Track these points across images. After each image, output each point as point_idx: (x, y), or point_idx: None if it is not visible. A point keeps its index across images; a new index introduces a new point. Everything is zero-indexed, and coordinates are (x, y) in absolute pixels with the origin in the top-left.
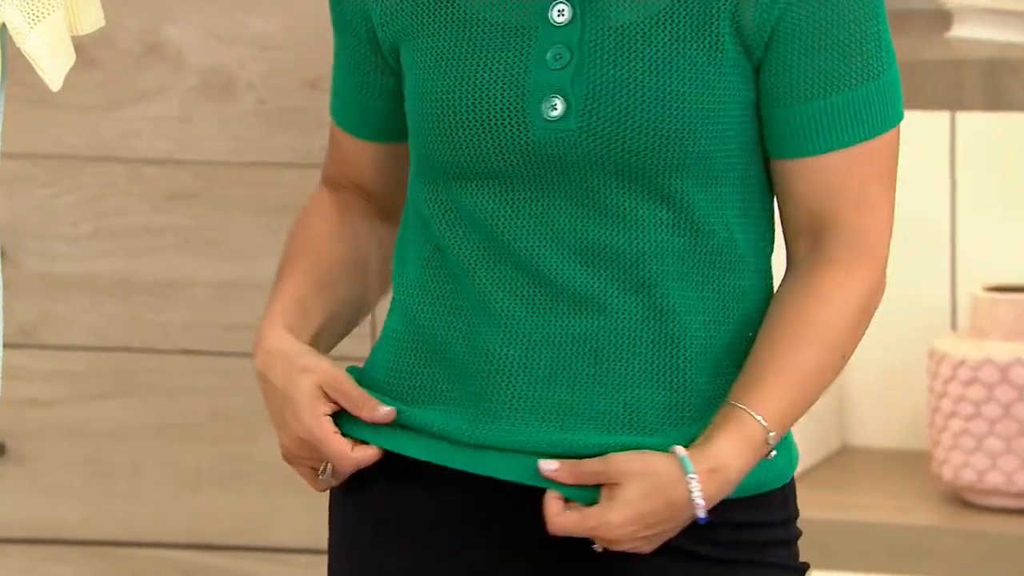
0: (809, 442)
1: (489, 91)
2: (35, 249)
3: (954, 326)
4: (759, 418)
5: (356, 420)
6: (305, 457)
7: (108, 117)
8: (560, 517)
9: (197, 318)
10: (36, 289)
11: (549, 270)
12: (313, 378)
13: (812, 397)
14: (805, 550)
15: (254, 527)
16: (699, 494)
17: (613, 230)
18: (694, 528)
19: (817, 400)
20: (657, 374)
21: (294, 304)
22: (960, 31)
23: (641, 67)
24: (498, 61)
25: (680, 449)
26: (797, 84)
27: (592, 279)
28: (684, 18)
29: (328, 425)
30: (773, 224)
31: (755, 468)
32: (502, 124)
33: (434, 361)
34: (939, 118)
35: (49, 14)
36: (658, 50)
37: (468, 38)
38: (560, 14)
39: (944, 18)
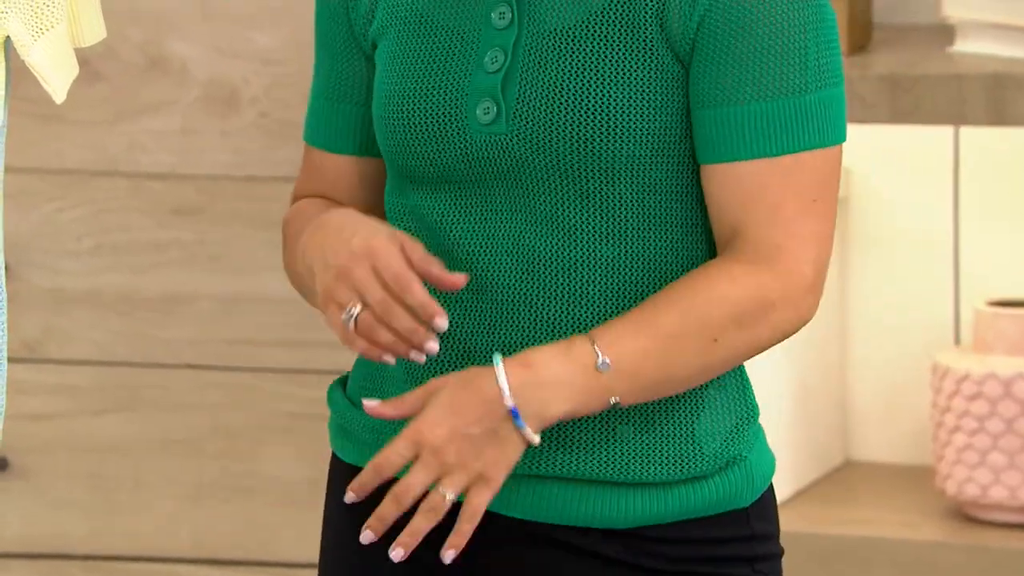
0: (812, 456)
1: (434, 95)
2: (40, 264)
3: (957, 340)
4: (593, 344)
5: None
6: (345, 287)
7: (112, 131)
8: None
9: (201, 333)
10: (40, 304)
11: (487, 275)
12: (395, 234)
13: (665, 357)
14: (808, 565)
15: (257, 542)
16: (505, 382)
17: (549, 238)
18: (639, 540)
19: (674, 368)
20: None
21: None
22: (963, 46)
23: (569, 71)
24: (445, 65)
25: (496, 356)
26: (714, 88)
27: (526, 286)
28: (613, 22)
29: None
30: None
31: (708, 490)
32: (444, 128)
33: (398, 365)
34: (942, 133)
35: (53, 26)
36: (586, 54)
37: (424, 41)
38: (500, 17)
39: (947, 32)
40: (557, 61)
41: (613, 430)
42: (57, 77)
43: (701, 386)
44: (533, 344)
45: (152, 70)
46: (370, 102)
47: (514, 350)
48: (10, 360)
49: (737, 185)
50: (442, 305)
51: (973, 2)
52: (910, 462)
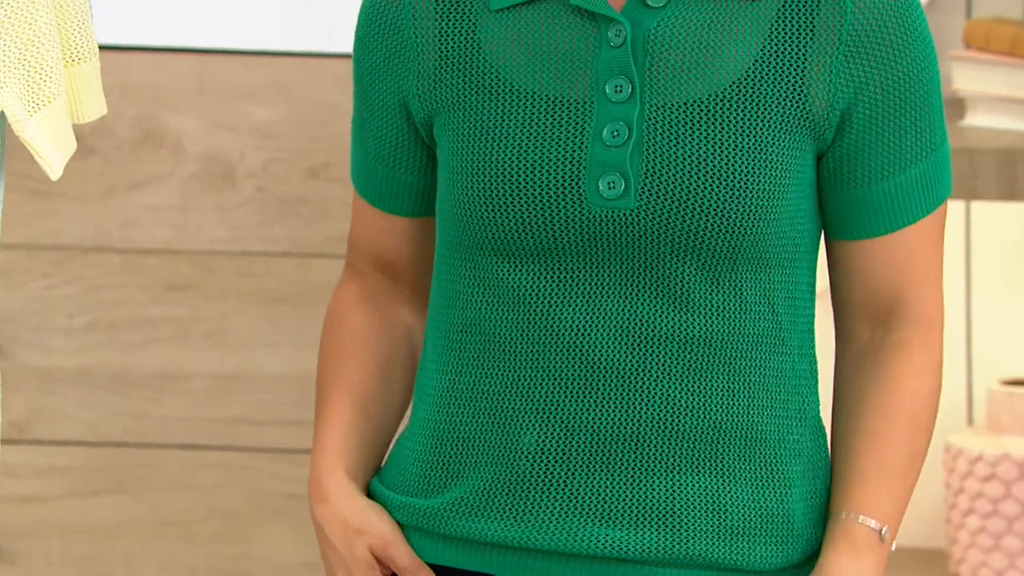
0: None
1: (544, 167)
2: (30, 342)
3: (970, 420)
4: (869, 521)
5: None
6: None
7: (106, 206)
8: None
9: (195, 411)
10: (30, 383)
11: (594, 351)
12: (367, 541)
13: (910, 487)
14: None
15: None
16: None
17: (665, 311)
18: None
19: (915, 478)
20: (699, 460)
21: (347, 436)
22: (974, 119)
23: (705, 145)
24: (552, 136)
25: None
26: (875, 164)
27: (639, 361)
28: (748, 97)
29: None
30: (814, 304)
31: (729, 552)
32: (558, 201)
33: (467, 448)
34: (954, 208)
35: (50, 101)
36: (720, 129)
37: (516, 112)
38: (617, 90)
39: (958, 106)
40: (689, 136)
41: (726, 514)
42: (53, 153)
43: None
44: (642, 420)
45: (146, 144)
46: (429, 171)
47: (625, 427)
48: None
49: (890, 254)
50: (548, 374)
51: (984, 76)
52: (923, 545)
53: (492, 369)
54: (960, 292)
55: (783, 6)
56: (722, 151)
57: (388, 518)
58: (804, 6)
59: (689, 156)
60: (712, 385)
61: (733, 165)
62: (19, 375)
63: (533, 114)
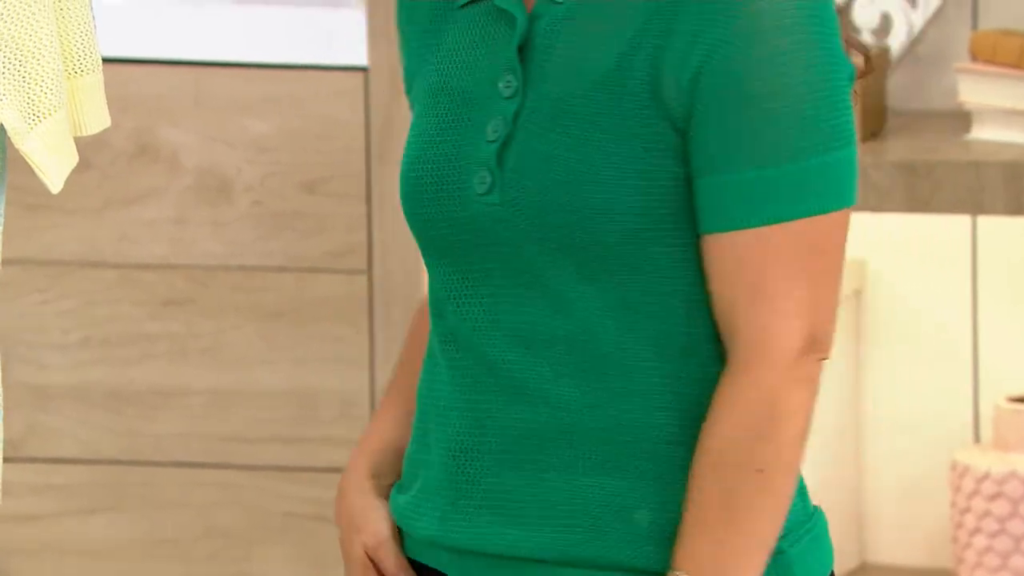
0: None
1: (440, 163)
2: (24, 358)
3: (977, 438)
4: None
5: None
6: None
7: (102, 220)
8: None
9: (191, 429)
10: (25, 400)
11: (493, 352)
12: (363, 540)
13: (738, 526)
14: None
15: None
16: None
17: (549, 313)
18: None
19: (747, 521)
20: (597, 462)
21: (384, 435)
22: (980, 133)
23: (563, 141)
24: (452, 133)
25: None
26: (707, 156)
27: (531, 363)
28: (609, 91)
29: None
30: None
31: None
32: (445, 198)
33: (421, 447)
34: (960, 222)
35: (50, 114)
36: (580, 124)
37: (441, 108)
38: (507, 86)
39: (964, 119)
40: (552, 131)
41: (630, 516)
42: (54, 167)
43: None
44: (541, 422)
45: (142, 158)
46: None
47: (527, 427)
48: None
49: (720, 259)
50: (467, 376)
51: (990, 88)
52: (929, 565)
53: (435, 368)
54: (966, 308)
55: (661, 5)
56: (576, 146)
57: (387, 519)
58: (675, 4)
59: (548, 152)
60: (606, 386)
61: (585, 160)
62: (13, 392)
63: (446, 112)
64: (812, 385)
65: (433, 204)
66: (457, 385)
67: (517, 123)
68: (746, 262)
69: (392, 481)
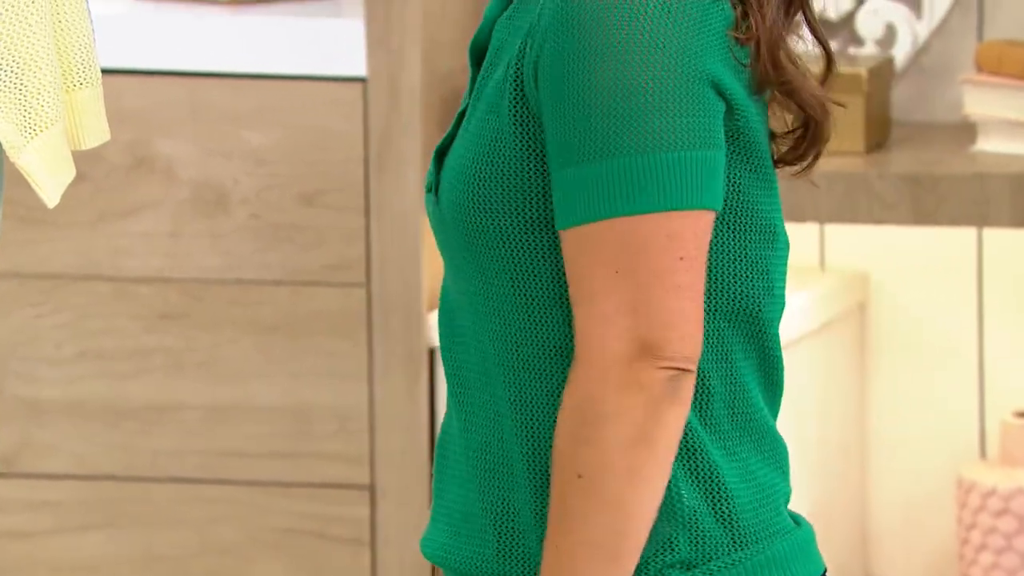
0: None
1: (432, 168)
2: (18, 372)
3: (983, 453)
4: None
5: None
6: None
7: (97, 233)
8: None
9: (187, 444)
10: (18, 415)
11: (451, 361)
12: None
13: (575, 536)
14: None
15: None
16: None
17: (473, 315)
18: None
19: (576, 530)
20: (489, 470)
21: None
22: (986, 144)
23: (465, 139)
24: (450, 134)
25: None
26: (549, 151)
27: (470, 370)
28: (499, 91)
29: None
30: None
31: None
32: (427, 200)
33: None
34: (965, 235)
35: (47, 127)
36: (475, 122)
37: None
38: (472, 84)
39: (969, 130)
40: (466, 132)
41: (525, 529)
42: (50, 181)
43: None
44: (473, 428)
45: (138, 170)
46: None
47: (466, 437)
48: None
49: (563, 259)
50: (449, 389)
51: (996, 100)
52: None
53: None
54: (972, 321)
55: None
56: (469, 145)
57: None
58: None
59: (458, 152)
60: (507, 394)
61: (473, 159)
62: (7, 406)
63: (462, 112)
64: (644, 391)
65: (427, 204)
66: (448, 393)
67: (460, 124)
68: (571, 261)
69: None
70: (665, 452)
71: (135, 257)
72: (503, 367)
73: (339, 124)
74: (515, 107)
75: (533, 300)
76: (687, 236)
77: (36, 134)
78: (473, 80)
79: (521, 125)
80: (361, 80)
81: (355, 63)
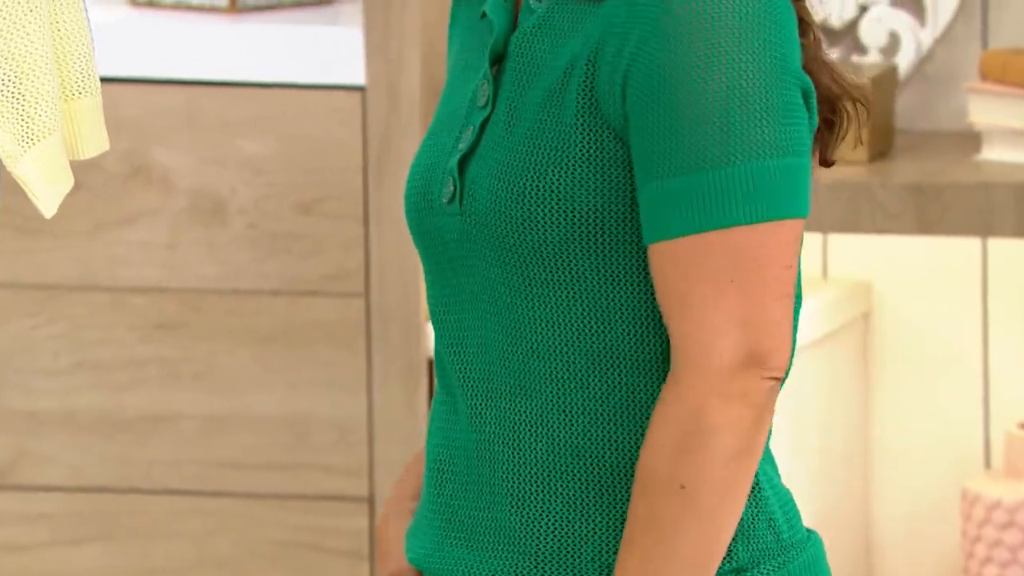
0: None
1: (421, 175)
2: (13, 383)
3: (988, 465)
4: None
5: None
6: None
7: (93, 243)
8: None
9: (184, 455)
10: (13, 426)
11: (463, 368)
12: (388, 567)
13: (666, 547)
14: None
15: None
16: None
17: (504, 330)
18: None
19: (676, 541)
20: (541, 483)
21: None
22: (991, 153)
23: (512, 151)
24: (435, 144)
25: None
26: (641, 164)
27: (488, 379)
28: (555, 101)
29: None
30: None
31: None
32: (425, 208)
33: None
34: (969, 245)
35: (45, 136)
36: (528, 134)
37: (438, 118)
38: (482, 95)
39: (974, 139)
40: (506, 141)
41: (576, 542)
42: (47, 191)
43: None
44: (494, 441)
45: (135, 179)
46: None
47: (482, 448)
48: None
49: (657, 270)
50: (440, 400)
51: (1001, 108)
52: None
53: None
54: (977, 331)
55: (610, 7)
56: (522, 156)
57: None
58: (617, 5)
59: (499, 160)
60: (555, 406)
61: (529, 169)
62: (2, 418)
63: (440, 123)
64: (751, 402)
65: (416, 215)
66: (440, 404)
67: (484, 132)
68: (675, 272)
69: None
70: (756, 464)
71: (132, 267)
72: (546, 379)
73: (338, 132)
74: (584, 119)
75: (593, 311)
76: (793, 244)
77: (33, 143)
78: (493, 84)
79: (591, 137)
80: (360, 88)
81: (354, 71)
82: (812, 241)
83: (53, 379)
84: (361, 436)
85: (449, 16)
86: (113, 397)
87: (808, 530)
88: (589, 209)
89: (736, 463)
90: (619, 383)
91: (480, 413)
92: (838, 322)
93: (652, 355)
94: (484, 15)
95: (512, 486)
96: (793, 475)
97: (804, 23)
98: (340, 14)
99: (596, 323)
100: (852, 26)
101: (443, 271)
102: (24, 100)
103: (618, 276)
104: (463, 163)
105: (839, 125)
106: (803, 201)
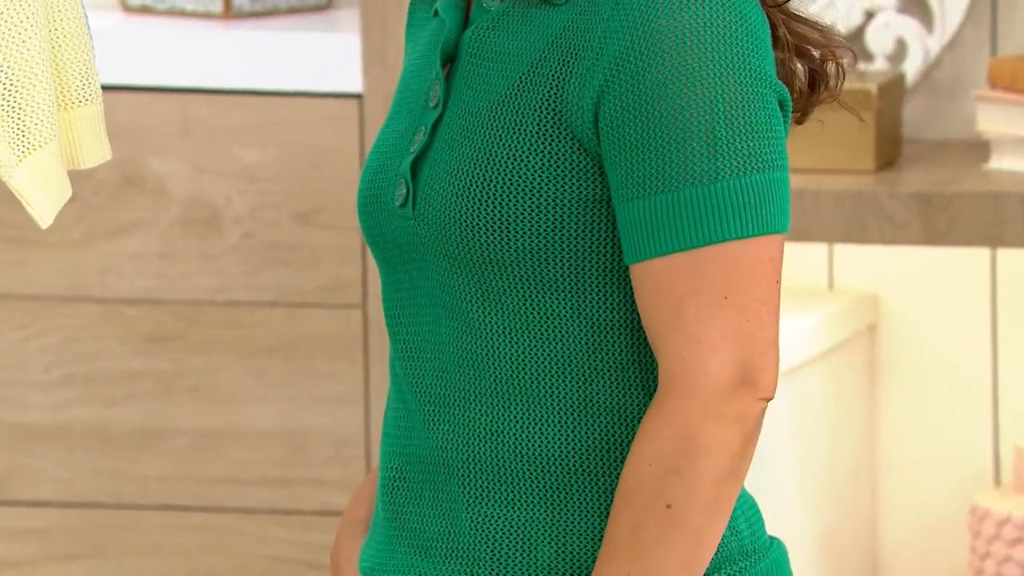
0: None
1: (375, 176)
2: (3, 397)
3: (997, 481)
4: None
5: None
6: None
7: (85, 253)
8: None
9: (177, 470)
10: (3, 440)
11: (418, 374)
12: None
13: (646, 562)
14: None
15: None
16: None
17: (456, 333)
18: None
19: (656, 558)
20: (498, 491)
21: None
22: (1000, 162)
23: (467, 156)
24: (388, 145)
25: None
26: (619, 182)
27: (444, 386)
28: (514, 107)
29: None
30: (641, 331)
31: None
32: (376, 211)
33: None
34: (978, 255)
35: (41, 145)
36: (485, 140)
37: (391, 119)
38: (433, 96)
39: (982, 148)
40: (461, 145)
41: (532, 550)
42: (43, 200)
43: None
44: (450, 449)
45: (128, 188)
46: None
47: (439, 456)
48: None
49: (642, 287)
50: (394, 404)
51: (1010, 116)
52: None
53: (390, 394)
54: (986, 344)
55: (572, 13)
56: (479, 162)
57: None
58: (585, 12)
59: (454, 165)
60: (509, 412)
61: (486, 177)
62: None
63: (393, 124)
64: (743, 425)
65: (368, 218)
66: (394, 411)
67: (435, 134)
68: (664, 290)
69: None
70: (741, 485)
71: (125, 278)
72: (500, 385)
73: (334, 141)
74: (544, 127)
75: (549, 319)
76: (779, 259)
77: (29, 153)
78: (445, 85)
79: (551, 146)
80: (357, 96)
81: (351, 79)
82: (817, 252)
83: (44, 392)
84: (358, 450)
85: (407, 15)
86: (106, 411)
87: (771, 537)
88: (544, 217)
89: (724, 484)
90: (574, 390)
91: (434, 420)
92: (844, 334)
93: (607, 363)
94: (436, 13)
95: (466, 493)
96: (798, 490)
97: (775, 32)
98: (337, 21)
99: (548, 331)
100: (859, 33)
101: (396, 274)
102: (19, 109)
103: (572, 286)
104: (415, 165)
105: (820, 83)
106: (787, 215)
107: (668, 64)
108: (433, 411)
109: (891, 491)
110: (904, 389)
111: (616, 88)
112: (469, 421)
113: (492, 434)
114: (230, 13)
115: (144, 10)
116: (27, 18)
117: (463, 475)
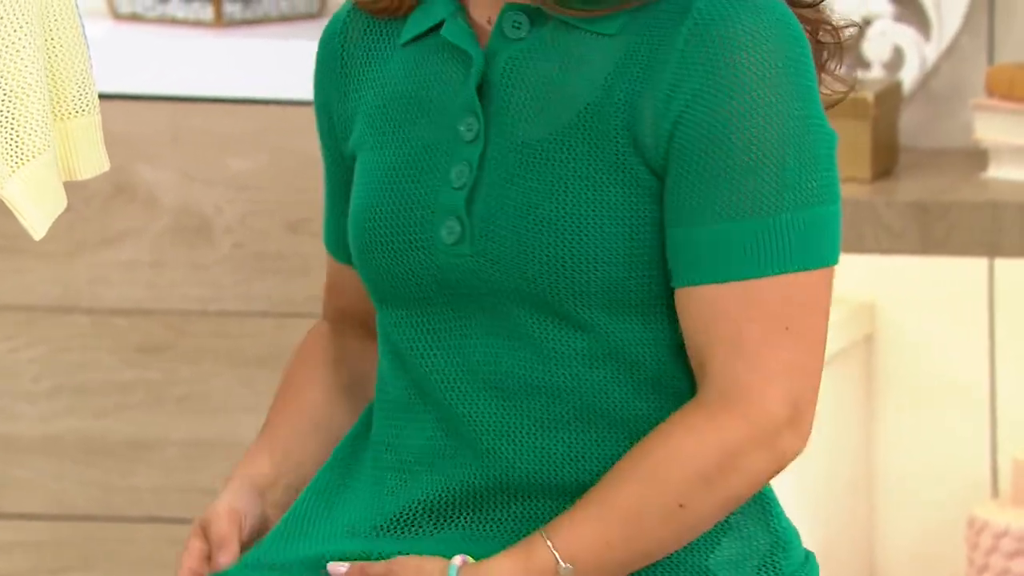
0: None
1: (400, 213)
2: None
3: (995, 493)
4: (553, 548)
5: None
6: None
7: (75, 263)
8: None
9: (168, 482)
10: None
11: (465, 408)
12: (200, 520)
13: (629, 540)
14: None
15: None
16: None
17: (530, 363)
18: None
19: (641, 546)
20: None
21: (274, 456)
22: (998, 171)
23: (538, 188)
24: (416, 181)
25: (458, 559)
26: (683, 207)
27: (508, 414)
28: (584, 136)
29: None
30: None
31: None
32: (411, 248)
33: (348, 501)
34: (976, 264)
35: (35, 156)
36: (556, 170)
37: (397, 155)
38: (468, 129)
39: (980, 157)
40: (525, 177)
41: None
42: (36, 211)
43: None
44: (519, 476)
45: (118, 197)
46: None
47: (497, 484)
48: None
49: (696, 310)
50: (428, 432)
51: (1008, 125)
52: None
53: (395, 417)
54: (983, 354)
55: (632, 43)
56: (554, 193)
57: (235, 498)
58: (649, 42)
59: (522, 200)
60: (590, 437)
61: (565, 207)
62: None
63: (400, 157)
64: (780, 461)
65: (391, 254)
66: (428, 439)
67: (483, 168)
68: (725, 316)
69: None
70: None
71: (115, 288)
72: (586, 412)
73: None
74: (623, 157)
75: (629, 343)
76: (831, 292)
77: (22, 164)
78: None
79: (629, 175)
80: None
81: None
82: None
83: (33, 403)
84: None
85: (319, 55)
86: (95, 422)
87: (806, 551)
88: (629, 247)
89: (739, 504)
90: (654, 410)
91: (494, 449)
92: (840, 344)
93: (680, 381)
94: (411, 41)
95: (547, 519)
96: (796, 501)
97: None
98: None
99: (633, 355)
100: (855, 40)
101: (428, 311)
102: (13, 119)
103: (656, 309)
104: (468, 201)
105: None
106: (839, 247)
107: (748, 97)
108: (493, 440)
109: (888, 502)
110: (901, 399)
111: (694, 117)
112: (544, 448)
113: (572, 459)
114: (221, 21)
115: (134, 18)
116: (21, 27)
117: (538, 500)
